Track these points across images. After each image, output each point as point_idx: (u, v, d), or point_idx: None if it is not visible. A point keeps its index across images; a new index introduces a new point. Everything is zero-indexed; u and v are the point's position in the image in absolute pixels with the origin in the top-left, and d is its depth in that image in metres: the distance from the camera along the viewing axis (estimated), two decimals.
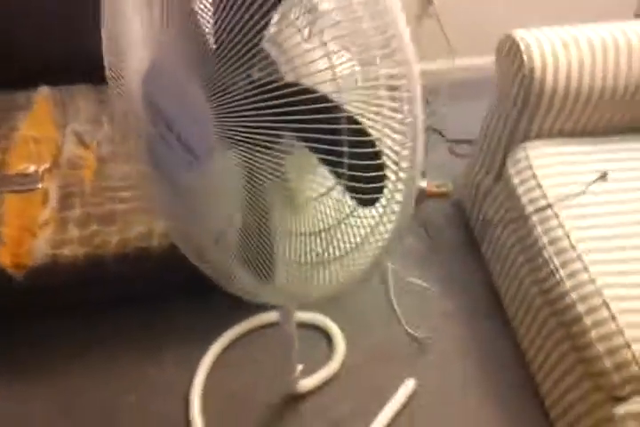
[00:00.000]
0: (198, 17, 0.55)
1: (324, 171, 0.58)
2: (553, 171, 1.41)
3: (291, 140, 0.56)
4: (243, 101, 0.53)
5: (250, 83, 0.53)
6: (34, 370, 1.33)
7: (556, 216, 1.33)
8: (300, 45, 0.53)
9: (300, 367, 1.24)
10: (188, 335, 1.38)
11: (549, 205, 1.35)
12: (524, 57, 1.31)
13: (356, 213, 0.58)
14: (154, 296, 1.29)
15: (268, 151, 0.56)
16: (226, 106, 0.55)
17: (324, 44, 0.50)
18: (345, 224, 0.59)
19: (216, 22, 0.52)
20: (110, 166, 1.26)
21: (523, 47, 1.31)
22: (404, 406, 1.39)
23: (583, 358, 1.24)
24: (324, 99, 0.50)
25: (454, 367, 1.48)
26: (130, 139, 0.74)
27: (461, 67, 1.97)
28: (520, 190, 1.42)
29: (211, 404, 1.34)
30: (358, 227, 0.58)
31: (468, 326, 1.56)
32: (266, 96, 0.52)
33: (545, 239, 1.33)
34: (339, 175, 0.54)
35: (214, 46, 0.53)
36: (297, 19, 0.53)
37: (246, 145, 0.56)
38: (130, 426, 1.28)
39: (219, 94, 0.55)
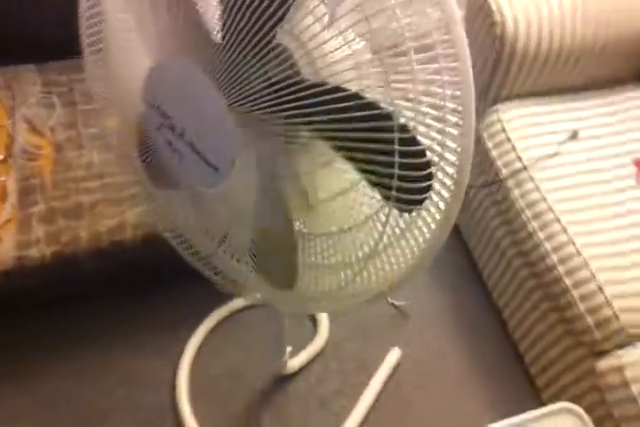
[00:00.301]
0: (201, 9, 0.48)
1: (340, 166, 0.53)
2: (526, 133, 1.39)
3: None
4: (266, 104, 0.47)
5: (271, 85, 0.47)
6: (16, 368, 1.28)
7: (532, 179, 1.33)
8: (320, 36, 0.47)
9: (288, 349, 1.22)
10: (171, 325, 1.34)
11: (524, 168, 1.35)
12: (497, 16, 1.26)
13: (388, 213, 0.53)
14: (131, 288, 1.23)
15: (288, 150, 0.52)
16: (247, 109, 0.49)
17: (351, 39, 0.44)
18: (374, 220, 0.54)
19: (226, 14, 0.46)
20: (69, 154, 1.17)
21: (494, 7, 1.27)
22: (390, 376, 1.40)
23: (564, 317, 1.26)
24: (374, 106, 0.45)
25: (437, 336, 1.49)
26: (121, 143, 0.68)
27: None
28: (494, 154, 1.41)
29: (198, 390, 1.32)
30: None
31: (449, 294, 1.57)
32: (301, 103, 0.46)
33: (522, 203, 1.33)
34: (376, 183, 0.49)
35: (224, 42, 0.47)
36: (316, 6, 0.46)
37: (269, 149, 0.51)
38: (119, 420, 1.25)
39: (237, 97, 0.49)
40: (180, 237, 0.76)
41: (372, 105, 0.45)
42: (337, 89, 0.45)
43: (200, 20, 0.48)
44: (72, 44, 1.30)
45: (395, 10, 0.42)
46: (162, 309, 1.35)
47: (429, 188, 0.47)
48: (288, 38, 0.48)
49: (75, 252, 1.06)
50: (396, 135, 0.44)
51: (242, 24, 0.47)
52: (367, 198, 0.55)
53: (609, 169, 1.38)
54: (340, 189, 0.55)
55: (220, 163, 0.54)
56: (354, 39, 0.47)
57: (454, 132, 0.44)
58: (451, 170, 0.46)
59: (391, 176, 0.46)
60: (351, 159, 0.48)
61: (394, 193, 0.47)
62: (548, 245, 1.27)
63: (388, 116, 0.44)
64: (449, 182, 0.47)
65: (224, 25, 0.47)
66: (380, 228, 0.53)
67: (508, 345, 1.48)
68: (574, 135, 1.42)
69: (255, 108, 0.48)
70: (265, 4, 0.45)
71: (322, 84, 0.45)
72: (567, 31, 1.32)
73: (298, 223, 0.59)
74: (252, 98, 0.48)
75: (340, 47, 0.48)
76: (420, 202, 0.48)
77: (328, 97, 0.45)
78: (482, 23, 1.31)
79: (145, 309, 1.32)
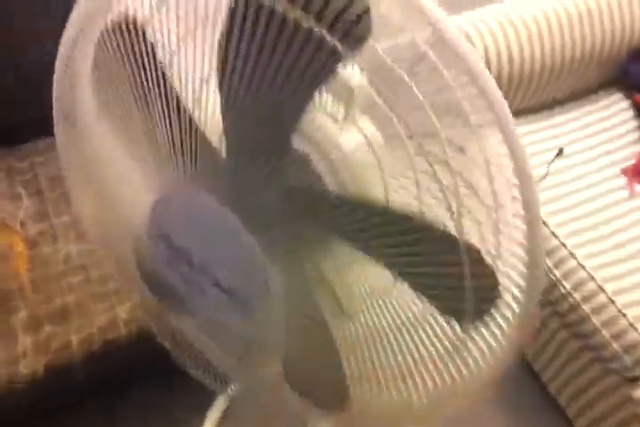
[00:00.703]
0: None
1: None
2: None
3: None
4: (293, 224, 0.41)
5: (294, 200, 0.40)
6: None
7: None
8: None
9: None
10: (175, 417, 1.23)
11: None
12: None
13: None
14: (126, 387, 1.13)
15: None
16: (271, 232, 0.42)
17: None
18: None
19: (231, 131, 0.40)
20: (45, 249, 1.09)
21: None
22: None
23: (588, 345, 1.22)
24: (446, 237, 0.38)
25: None
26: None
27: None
28: None
29: None
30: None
31: None
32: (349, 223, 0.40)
33: None
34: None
35: (232, 160, 0.41)
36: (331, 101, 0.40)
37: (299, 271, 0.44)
38: None
39: (258, 223, 0.42)
40: (186, 348, 0.68)
41: (439, 233, 0.38)
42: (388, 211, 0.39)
43: (205, 141, 0.42)
44: (27, 127, 1.22)
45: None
46: (160, 406, 1.25)
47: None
48: (300, 141, 0.42)
49: (67, 360, 0.97)
50: (465, 259, 0.38)
51: (249, 139, 0.41)
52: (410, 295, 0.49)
53: (598, 182, 1.35)
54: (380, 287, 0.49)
55: (248, 294, 0.47)
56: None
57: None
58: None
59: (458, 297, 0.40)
60: (413, 283, 0.42)
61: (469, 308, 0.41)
62: (557, 272, 1.23)
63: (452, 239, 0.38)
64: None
65: (230, 142, 0.41)
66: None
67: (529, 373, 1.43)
68: (560, 152, 1.38)
69: (280, 231, 0.42)
70: (276, 111, 0.39)
71: (359, 203, 0.39)
72: (536, 49, 1.29)
73: (336, 332, 0.52)
74: (275, 221, 0.42)
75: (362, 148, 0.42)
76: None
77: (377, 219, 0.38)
78: None
79: (141, 407, 1.22)
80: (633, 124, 1.47)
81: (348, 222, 0.41)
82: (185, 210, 0.46)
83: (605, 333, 1.17)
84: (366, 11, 0.34)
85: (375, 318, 0.51)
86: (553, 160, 1.36)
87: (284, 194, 0.42)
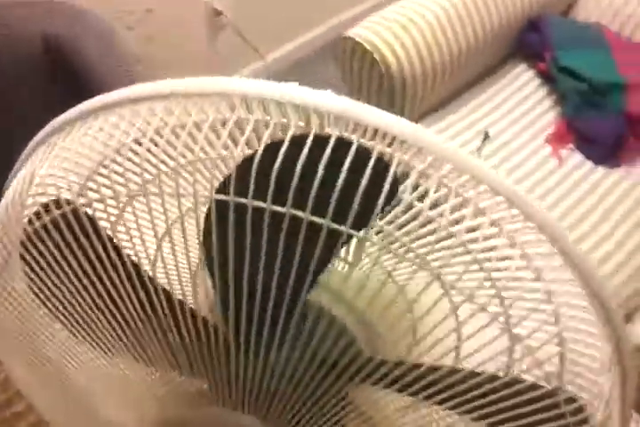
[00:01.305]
0: None
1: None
2: None
3: None
4: None
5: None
6: None
7: None
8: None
9: None
10: None
11: None
12: (375, 56, 1.20)
13: None
14: None
15: None
16: None
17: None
18: None
19: None
20: None
21: (369, 47, 1.20)
22: None
23: None
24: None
25: None
26: None
27: (274, 63, 1.85)
28: None
29: None
30: None
31: None
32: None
33: None
34: None
35: None
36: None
37: None
38: None
39: None
40: None
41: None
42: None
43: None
44: None
45: None
46: None
47: None
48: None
49: None
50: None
51: None
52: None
53: (530, 157, 1.38)
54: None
55: None
56: None
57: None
58: None
59: None
60: None
61: None
62: None
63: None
64: None
65: None
66: None
67: None
68: (487, 136, 1.40)
69: None
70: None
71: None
72: (441, 45, 1.28)
73: None
74: None
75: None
76: None
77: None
78: (360, 65, 1.25)
79: None
80: (542, 91, 1.51)
81: None
82: None
83: None
84: None
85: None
86: (481, 146, 1.38)
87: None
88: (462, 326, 0.33)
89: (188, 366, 0.38)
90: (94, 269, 0.37)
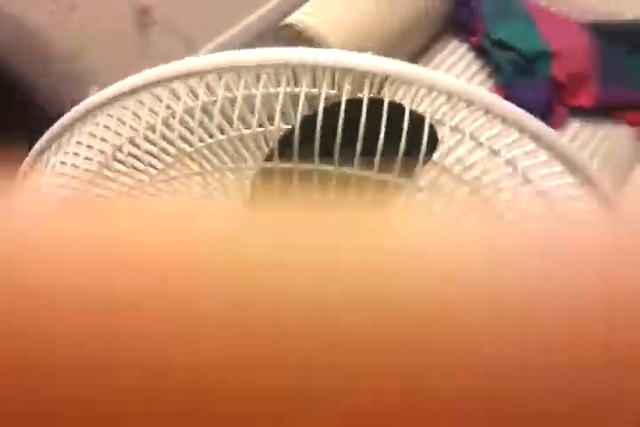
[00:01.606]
0: None
1: None
2: None
3: None
4: None
5: None
6: None
7: None
8: None
9: None
10: None
11: None
12: (317, 40, 1.20)
13: None
14: None
15: None
16: None
17: None
18: None
19: None
20: None
21: (310, 32, 1.20)
22: None
23: None
24: None
25: None
26: None
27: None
28: None
29: None
30: None
31: None
32: None
33: None
34: None
35: None
36: None
37: None
38: None
39: None
40: None
41: None
42: None
43: None
44: None
45: None
46: None
47: None
48: None
49: None
50: None
51: None
52: None
53: None
54: None
55: None
56: None
57: None
58: None
59: None
60: None
61: None
62: None
63: None
64: None
65: None
66: None
67: None
68: None
69: None
70: None
71: None
72: (381, 21, 1.30)
73: None
74: None
75: None
76: None
77: None
78: None
79: None
80: (477, 65, 1.55)
81: None
82: None
83: None
84: None
85: None
86: None
87: None
88: None
89: None
90: None
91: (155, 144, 0.34)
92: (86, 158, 0.36)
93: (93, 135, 0.34)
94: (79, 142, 0.35)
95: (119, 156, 0.34)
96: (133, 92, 0.33)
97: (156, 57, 1.71)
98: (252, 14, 1.99)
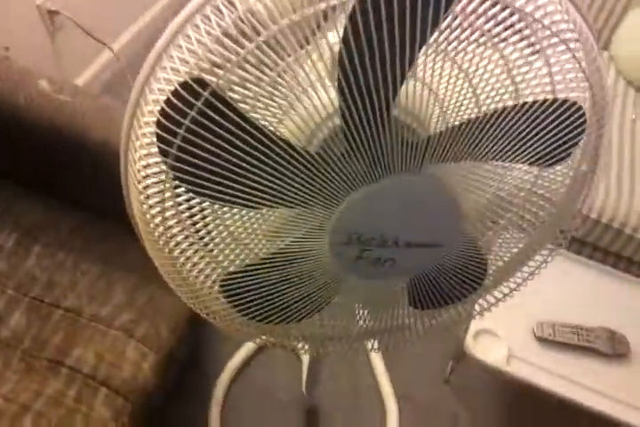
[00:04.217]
0: None
1: None
2: None
3: None
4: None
5: None
6: None
7: None
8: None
9: None
10: None
11: None
12: None
13: None
14: None
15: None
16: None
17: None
18: None
19: None
20: None
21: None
22: None
23: None
24: None
25: None
26: None
27: (124, 50, 1.86)
28: None
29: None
30: None
31: None
32: None
33: None
34: None
35: None
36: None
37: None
38: None
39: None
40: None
41: None
42: None
43: None
44: None
45: None
46: None
47: None
48: None
49: None
50: None
51: None
52: None
53: None
54: None
55: (445, 235, 0.57)
56: None
57: None
58: None
59: None
60: None
61: None
62: None
63: None
64: None
65: None
66: None
67: None
68: None
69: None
70: None
71: None
72: None
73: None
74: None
75: None
76: None
77: None
78: None
79: None
80: None
81: None
82: (378, 205, 0.52)
83: None
84: None
85: None
86: None
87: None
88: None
89: None
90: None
91: None
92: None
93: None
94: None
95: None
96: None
97: (71, 58, 1.73)
98: (157, 4, 2.03)
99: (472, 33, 0.47)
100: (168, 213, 0.52)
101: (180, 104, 0.45)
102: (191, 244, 0.55)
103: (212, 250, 0.56)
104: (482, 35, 0.47)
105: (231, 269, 0.57)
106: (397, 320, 0.68)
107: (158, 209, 0.52)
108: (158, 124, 0.46)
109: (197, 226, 0.54)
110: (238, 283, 0.58)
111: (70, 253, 1.14)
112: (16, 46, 1.45)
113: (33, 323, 1.07)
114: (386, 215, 0.53)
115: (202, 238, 0.55)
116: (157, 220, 0.53)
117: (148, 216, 0.53)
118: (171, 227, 0.53)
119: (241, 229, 0.55)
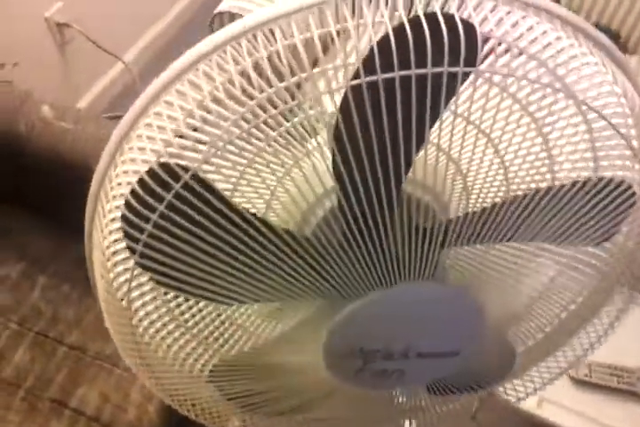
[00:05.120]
0: None
1: None
2: None
3: None
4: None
5: None
6: None
7: None
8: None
9: None
10: None
11: None
12: None
13: None
14: None
15: None
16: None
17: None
18: None
19: None
20: None
21: (244, 14, 1.22)
22: None
23: None
24: None
25: None
26: None
27: (136, 61, 1.81)
28: None
29: None
30: None
31: None
32: None
33: None
34: None
35: None
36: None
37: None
38: None
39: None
40: None
41: None
42: None
43: None
44: None
45: None
46: None
47: None
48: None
49: None
50: None
51: None
52: None
53: None
54: None
55: (461, 342, 0.49)
56: None
57: None
58: None
59: None
60: None
61: None
62: None
63: None
64: None
65: None
66: None
67: None
68: None
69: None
70: None
71: None
72: None
73: None
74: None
75: None
76: None
77: None
78: None
79: None
80: None
81: None
82: (383, 313, 0.44)
83: None
84: None
85: None
86: None
87: None
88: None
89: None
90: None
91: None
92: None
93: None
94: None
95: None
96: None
97: (82, 70, 1.69)
98: (168, 14, 1.98)
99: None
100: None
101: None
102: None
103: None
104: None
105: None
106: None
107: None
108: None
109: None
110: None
111: (76, 286, 1.10)
112: (24, 60, 1.40)
113: (37, 359, 1.03)
114: (395, 324, 0.45)
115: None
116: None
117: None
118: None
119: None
